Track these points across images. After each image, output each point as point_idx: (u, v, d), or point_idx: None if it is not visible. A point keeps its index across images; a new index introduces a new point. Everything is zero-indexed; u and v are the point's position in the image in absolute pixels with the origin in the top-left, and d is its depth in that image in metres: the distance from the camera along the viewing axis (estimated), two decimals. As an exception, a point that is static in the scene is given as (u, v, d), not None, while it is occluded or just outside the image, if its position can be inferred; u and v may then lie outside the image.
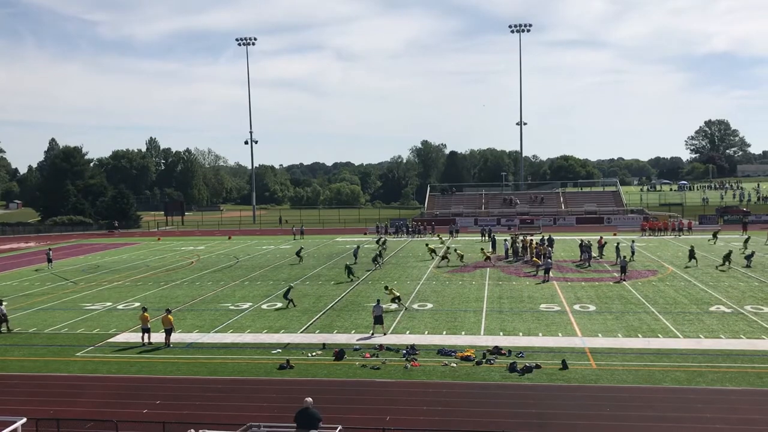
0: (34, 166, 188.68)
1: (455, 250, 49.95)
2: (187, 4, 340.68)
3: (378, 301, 27.87)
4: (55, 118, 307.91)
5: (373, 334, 26.70)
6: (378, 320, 26.60)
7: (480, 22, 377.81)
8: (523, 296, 34.55)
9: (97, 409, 19.02)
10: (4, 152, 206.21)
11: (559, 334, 26.32)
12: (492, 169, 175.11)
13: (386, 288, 34.39)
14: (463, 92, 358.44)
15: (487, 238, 62.03)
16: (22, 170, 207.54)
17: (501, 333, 26.71)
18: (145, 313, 26.60)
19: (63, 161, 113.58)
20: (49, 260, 51.34)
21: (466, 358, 22.90)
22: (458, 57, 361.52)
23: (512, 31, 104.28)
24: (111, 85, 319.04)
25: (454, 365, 22.29)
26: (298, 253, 52.09)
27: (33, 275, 47.72)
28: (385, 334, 26.62)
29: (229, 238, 76.35)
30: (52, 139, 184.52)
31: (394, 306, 32.23)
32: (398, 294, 32.39)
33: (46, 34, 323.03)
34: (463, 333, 26.90)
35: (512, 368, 21.57)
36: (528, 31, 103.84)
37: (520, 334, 26.55)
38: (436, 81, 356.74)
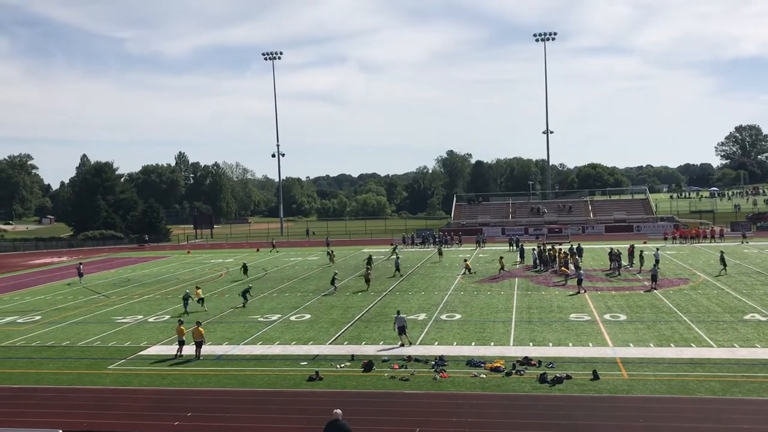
0: (66, 181, 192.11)
1: (465, 261, 50.62)
2: (213, 20, 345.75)
3: (398, 312, 27.95)
4: (86, 135, 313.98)
5: (401, 344, 26.65)
6: (401, 330, 26.60)
7: (504, 31, 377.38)
8: (552, 306, 34.25)
9: (129, 422, 19.24)
10: (37, 168, 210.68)
11: (590, 344, 26.03)
12: (519, 178, 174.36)
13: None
14: (488, 101, 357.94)
15: (515, 247, 61.63)
16: (55, 186, 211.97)
17: (531, 343, 26.49)
18: (181, 326, 26.87)
19: (94, 176, 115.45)
20: (80, 274, 52.21)
21: (496, 369, 22.74)
22: (483, 66, 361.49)
23: (537, 40, 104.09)
24: (140, 100, 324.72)
25: (484, 376, 22.15)
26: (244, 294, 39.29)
27: (65, 289, 48.50)
28: (411, 344, 26.57)
29: (257, 250, 76.90)
30: (84, 155, 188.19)
31: (423, 316, 32.21)
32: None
33: (76, 52, 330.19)
34: (492, 344, 26.73)
35: (542, 379, 21.37)
36: (553, 39, 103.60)
37: (550, 344, 26.31)
38: (460, 91, 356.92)
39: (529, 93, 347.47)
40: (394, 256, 57.95)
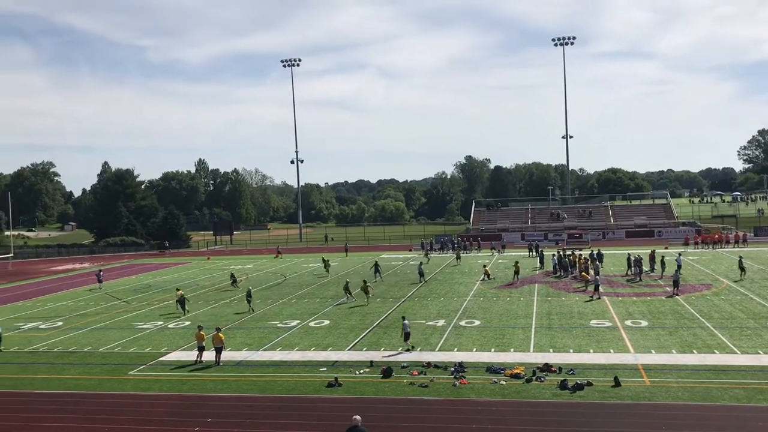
0: (88, 188, 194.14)
1: (484, 266, 50.37)
2: (233, 28, 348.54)
3: (403, 317, 28.13)
4: (107, 142, 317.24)
5: (407, 349, 26.84)
6: (407, 337, 26.96)
7: (522, 37, 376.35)
8: (572, 312, 33.98)
9: (150, 427, 19.35)
10: (60, 176, 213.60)
11: (611, 351, 25.78)
12: (538, 183, 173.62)
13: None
14: (506, 107, 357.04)
15: (534, 253, 61.31)
16: (77, 193, 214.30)
17: (551, 350, 26.29)
18: (201, 332, 26.99)
19: (115, 184, 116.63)
20: (100, 280, 52.78)
21: (516, 376, 22.59)
22: (501, 72, 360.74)
23: (556, 45, 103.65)
24: (161, 108, 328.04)
25: (504, 383, 22.01)
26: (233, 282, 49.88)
27: (87, 295, 48.99)
28: (411, 350, 26.75)
29: (276, 256, 77.15)
30: (105, 162, 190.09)
31: (441, 322, 32.16)
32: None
33: (98, 61, 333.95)
34: (512, 350, 26.57)
35: (563, 385, 21.18)
36: (572, 43, 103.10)
37: (571, 350, 26.09)
38: (479, 96, 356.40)
39: (548, 98, 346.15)
40: (426, 259, 58.44)
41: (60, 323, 37.26)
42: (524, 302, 37.56)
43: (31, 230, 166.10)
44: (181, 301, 38.61)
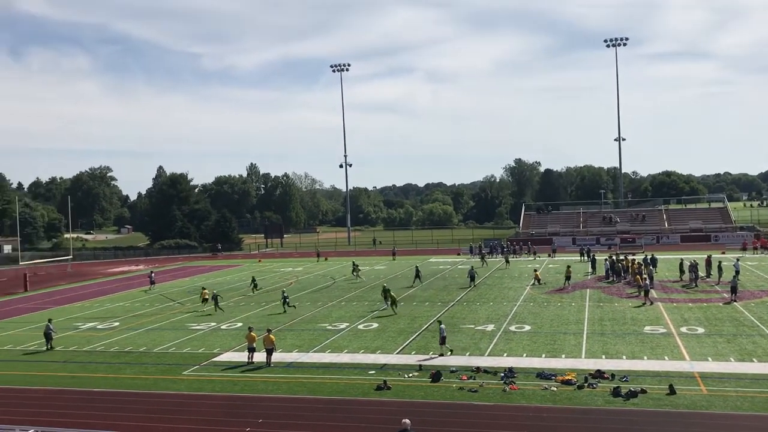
0: (144, 192, 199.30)
1: (535, 271, 49.79)
2: (284, 34, 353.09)
3: (440, 322, 28.25)
4: (162, 147, 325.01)
5: (440, 354, 26.82)
6: (443, 341, 26.97)
7: (573, 38, 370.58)
8: (626, 318, 33.30)
9: (203, 427, 19.72)
10: (116, 180, 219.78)
11: (666, 358, 25.18)
12: (589, 187, 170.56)
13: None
14: (556, 109, 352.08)
15: (586, 257, 60.32)
16: (133, 197, 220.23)
17: (603, 356, 25.82)
18: (252, 333, 27.43)
19: (170, 188, 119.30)
20: (152, 282, 54.28)
21: (567, 382, 22.26)
22: (551, 74, 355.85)
23: (608, 46, 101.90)
24: (214, 114, 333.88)
25: (555, 389, 21.71)
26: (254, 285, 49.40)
27: (142, 296, 50.23)
28: (444, 355, 26.67)
29: (326, 259, 77.75)
30: (160, 167, 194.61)
31: (491, 327, 31.94)
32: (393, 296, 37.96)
33: (154, 68, 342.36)
34: (563, 356, 26.20)
35: (616, 393, 20.78)
36: (624, 44, 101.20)
37: (624, 357, 25.58)
38: (528, 99, 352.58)
39: (600, 99, 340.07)
40: (483, 263, 58.30)
41: (116, 323, 38.30)
42: (576, 307, 36.99)
43: (89, 233, 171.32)
44: (215, 299, 40.70)
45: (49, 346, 31.27)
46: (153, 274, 56.03)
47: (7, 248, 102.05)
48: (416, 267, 53.20)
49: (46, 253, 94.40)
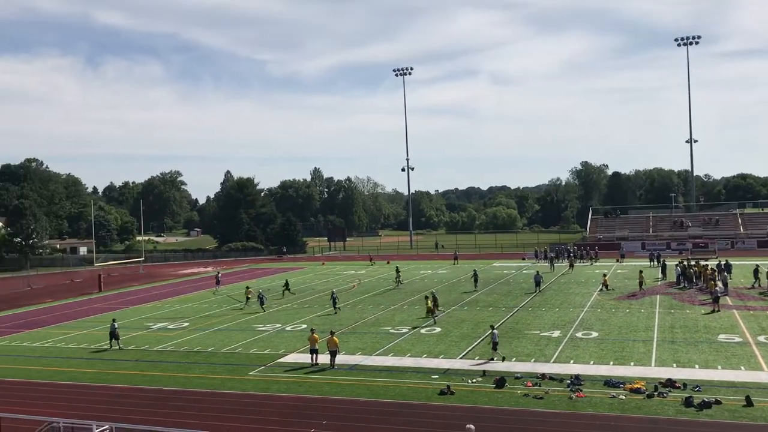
0: (212, 196, 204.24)
1: (603, 276, 48.62)
2: (347, 39, 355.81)
3: (492, 327, 27.97)
4: (229, 152, 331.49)
5: (492, 359, 26.71)
6: (494, 346, 26.89)
7: (641, 38, 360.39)
8: (698, 326, 32.17)
9: (269, 427, 20.05)
10: (186, 184, 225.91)
11: (742, 368, 24.20)
12: (659, 190, 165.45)
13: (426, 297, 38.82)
14: (624, 110, 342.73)
15: (656, 263, 58.56)
16: (202, 200, 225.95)
17: (674, 365, 25.02)
18: (314, 335, 27.76)
19: (237, 192, 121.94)
20: (218, 282, 56.25)
21: (636, 390, 21.65)
22: (618, 74, 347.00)
23: (678, 45, 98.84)
24: (279, 119, 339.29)
25: (623, 397, 21.15)
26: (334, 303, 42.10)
27: (211, 298, 51.45)
28: (496, 359, 26.60)
29: (388, 262, 77.93)
30: (228, 171, 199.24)
31: (557, 333, 31.37)
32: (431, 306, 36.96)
33: (221, 75, 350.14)
34: (632, 363, 25.50)
35: (688, 403, 20.09)
36: (696, 43, 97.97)
37: (696, 366, 24.71)
38: (594, 100, 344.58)
39: (670, 100, 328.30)
40: (551, 269, 57.54)
41: (186, 324, 39.35)
42: (645, 314, 35.96)
43: (160, 235, 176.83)
44: (261, 298, 42.77)
45: (119, 346, 32.36)
46: (219, 275, 57.68)
47: (83, 250, 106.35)
48: (474, 271, 52.60)
49: (119, 255, 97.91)
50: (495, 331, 27.34)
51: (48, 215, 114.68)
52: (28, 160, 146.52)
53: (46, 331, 38.68)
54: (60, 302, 52.99)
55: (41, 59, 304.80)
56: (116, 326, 32.91)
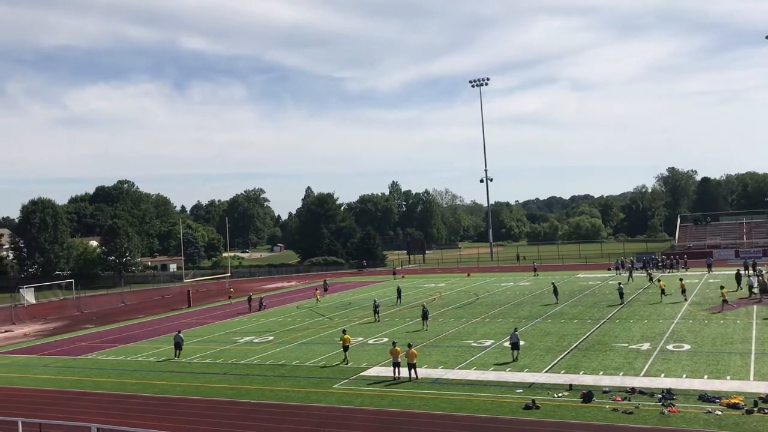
0: (293, 212, 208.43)
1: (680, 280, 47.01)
2: (422, 53, 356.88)
3: (515, 329, 30.62)
4: (310, 168, 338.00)
5: (515, 359, 28.89)
6: (515, 347, 29.18)
7: (729, 37, 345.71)
8: (800, 337, 30.40)
9: (353, 440, 20.17)
10: (269, 201, 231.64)
11: None
12: (753, 195, 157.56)
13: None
14: (712, 113, 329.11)
15: (752, 271, 55.69)
16: (284, 216, 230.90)
17: (775, 379, 23.70)
18: (396, 347, 27.85)
19: (318, 207, 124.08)
20: (325, 288, 62.61)
21: (734, 406, 20.64)
22: (705, 76, 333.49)
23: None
24: (357, 135, 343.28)
25: (720, 413, 20.19)
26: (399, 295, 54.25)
27: (295, 311, 52.40)
28: (515, 360, 28.84)
29: (468, 275, 77.35)
30: (308, 188, 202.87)
31: (646, 346, 30.31)
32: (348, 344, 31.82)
33: (302, 94, 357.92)
34: (728, 377, 24.33)
35: (792, 420, 19.00)
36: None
37: (800, 380, 23.33)
38: (680, 103, 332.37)
39: (762, 101, 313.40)
40: (629, 280, 55.62)
41: (271, 337, 40.20)
42: (741, 325, 34.26)
43: (245, 251, 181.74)
44: (375, 307, 44.64)
45: (177, 355, 34.74)
46: (326, 282, 65.18)
47: (173, 267, 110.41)
48: (552, 283, 51.33)
49: (206, 271, 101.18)
50: (517, 332, 29.91)
51: (140, 234, 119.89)
52: (121, 182, 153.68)
53: (139, 346, 40.33)
54: (152, 317, 55.21)
55: (132, 85, 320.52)
56: (181, 337, 34.70)
